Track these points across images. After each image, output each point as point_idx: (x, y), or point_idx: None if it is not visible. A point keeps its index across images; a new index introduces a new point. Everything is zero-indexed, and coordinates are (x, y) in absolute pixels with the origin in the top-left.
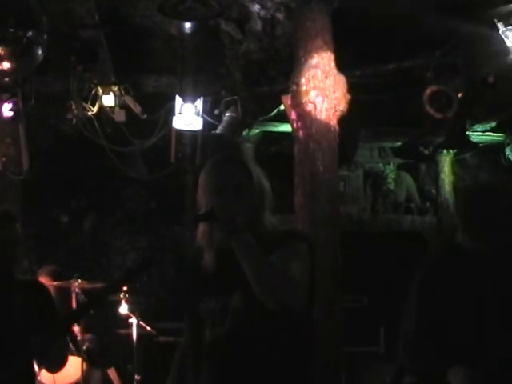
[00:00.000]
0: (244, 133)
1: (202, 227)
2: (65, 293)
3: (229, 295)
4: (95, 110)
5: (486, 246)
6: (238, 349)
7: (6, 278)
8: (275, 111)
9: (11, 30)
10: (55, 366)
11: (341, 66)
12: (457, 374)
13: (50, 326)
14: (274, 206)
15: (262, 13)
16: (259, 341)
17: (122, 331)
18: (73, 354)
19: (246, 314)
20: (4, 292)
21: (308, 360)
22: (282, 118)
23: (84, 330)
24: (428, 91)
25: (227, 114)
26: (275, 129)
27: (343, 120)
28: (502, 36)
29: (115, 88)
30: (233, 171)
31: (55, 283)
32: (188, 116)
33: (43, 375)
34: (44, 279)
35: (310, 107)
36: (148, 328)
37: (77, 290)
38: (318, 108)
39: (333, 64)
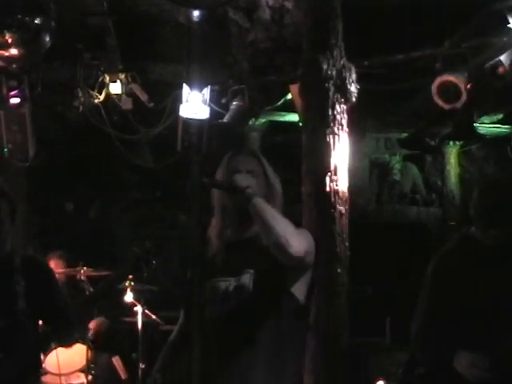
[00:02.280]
0: (251, 122)
1: (213, 223)
2: (72, 280)
3: (235, 278)
4: (102, 97)
5: (498, 237)
6: (236, 328)
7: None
8: (282, 100)
9: (19, 16)
10: (68, 343)
11: (349, 55)
12: (461, 358)
13: (56, 303)
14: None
15: (271, 2)
16: (258, 322)
17: (127, 319)
18: (78, 342)
19: (248, 295)
20: (4, 268)
21: (302, 349)
22: (289, 107)
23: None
24: (437, 82)
25: (234, 103)
26: (282, 118)
27: (350, 110)
28: None
29: (122, 76)
30: (248, 161)
31: (64, 270)
32: (195, 104)
33: (48, 363)
34: (54, 265)
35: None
36: (153, 316)
37: (82, 277)
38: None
39: (343, 53)
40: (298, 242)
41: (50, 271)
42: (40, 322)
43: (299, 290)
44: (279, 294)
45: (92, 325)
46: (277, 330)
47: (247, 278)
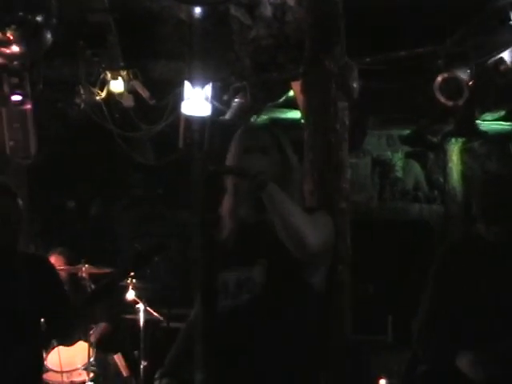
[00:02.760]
0: (252, 119)
1: (226, 203)
2: (74, 277)
3: (247, 268)
4: (103, 94)
5: (499, 234)
6: (252, 322)
7: (8, 253)
8: (284, 98)
9: (20, 13)
10: (70, 342)
11: (351, 53)
12: (463, 357)
13: (58, 302)
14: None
15: None
16: (274, 316)
17: (129, 317)
18: (79, 340)
19: (264, 287)
20: (7, 267)
21: (316, 341)
22: (291, 104)
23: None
24: (439, 79)
25: (236, 100)
26: (284, 115)
27: (352, 107)
28: None
29: (124, 73)
30: (260, 135)
31: (66, 267)
32: (196, 102)
33: (50, 360)
34: (55, 262)
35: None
36: (155, 314)
37: (84, 274)
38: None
39: (344, 51)
40: (314, 237)
41: (52, 269)
42: (42, 320)
43: (317, 279)
44: (295, 283)
45: (94, 331)
46: (291, 322)
47: (259, 271)
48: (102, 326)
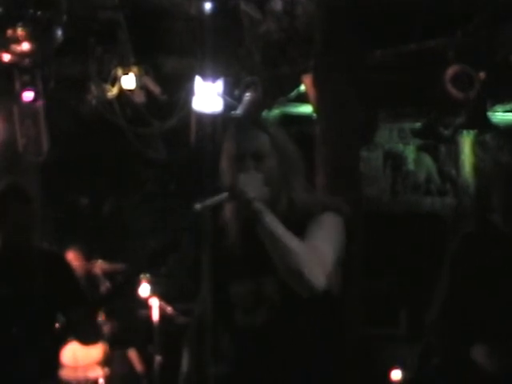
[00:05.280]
0: (264, 114)
1: (228, 206)
2: (89, 274)
3: (259, 278)
4: (115, 91)
5: None
6: (273, 340)
7: (24, 252)
8: (295, 92)
9: (30, 11)
10: (86, 341)
11: (361, 45)
12: (479, 349)
13: (75, 298)
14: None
15: None
16: (295, 333)
17: (143, 312)
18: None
19: (280, 303)
20: (23, 263)
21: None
22: (303, 98)
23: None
24: (450, 71)
25: (247, 95)
26: (295, 110)
27: (363, 100)
28: None
29: (135, 69)
30: (252, 137)
31: (81, 264)
32: (208, 97)
33: (65, 356)
34: (72, 259)
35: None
36: (169, 309)
37: (98, 271)
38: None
39: (355, 44)
40: (319, 274)
41: (68, 266)
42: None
43: (332, 285)
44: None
45: (108, 327)
46: (314, 335)
47: (269, 286)
48: (115, 323)
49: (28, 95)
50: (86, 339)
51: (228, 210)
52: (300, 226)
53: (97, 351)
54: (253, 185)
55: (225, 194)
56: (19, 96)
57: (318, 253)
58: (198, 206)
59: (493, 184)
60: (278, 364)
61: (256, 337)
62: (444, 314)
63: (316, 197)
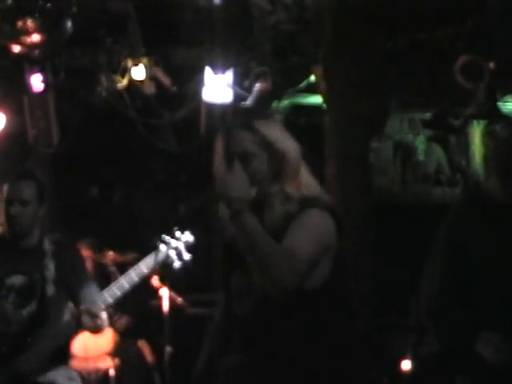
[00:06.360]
0: (274, 104)
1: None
2: (99, 265)
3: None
4: (125, 82)
5: None
6: (261, 326)
7: (34, 237)
8: (305, 82)
9: (40, 2)
10: (97, 329)
11: (372, 35)
12: (483, 339)
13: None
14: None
15: None
16: (282, 319)
17: (153, 303)
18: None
19: (264, 293)
20: (34, 251)
21: (339, 337)
22: (313, 89)
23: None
24: (460, 61)
25: (257, 86)
26: (305, 100)
27: (373, 91)
28: None
29: (145, 60)
30: (240, 137)
31: (93, 255)
32: (218, 88)
33: (75, 346)
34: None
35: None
36: (179, 299)
37: (109, 262)
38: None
39: (363, 35)
40: (284, 275)
41: (78, 253)
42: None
43: (311, 283)
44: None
45: (119, 319)
46: (303, 317)
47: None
48: (125, 316)
49: (38, 86)
50: (96, 328)
51: (223, 209)
52: (286, 223)
53: (107, 342)
54: (237, 184)
55: (203, 198)
56: (29, 87)
57: (291, 253)
58: (181, 208)
59: (492, 150)
60: (261, 352)
61: (244, 325)
62: (443, 294)
63: (307, 194)
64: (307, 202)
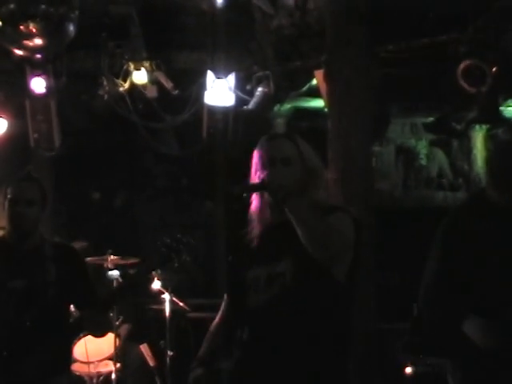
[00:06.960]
0: (276, 108)
1: (254, 202)
2: (99, 268)
3: (272, 263)
4: (127, 86)
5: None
6: (279, 314)
7: (35, 240)
8: (307, 86)
9: (43, 6)
10: (99, 332)
11: (374, 40)
12: (472, 323)
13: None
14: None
15: None
16: (302, 307)
17: (155, 307)
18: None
19: (290, 279)
20: (36, 255)
21: (347, 331)
22: (314, 93)
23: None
24: (462, 65)
25: (259, 89)
26: (307, 104)
27: (375, 95)
28: None
29: (147, 64)
30: (282, 145)
31: (94, 259)
32: (220, 91)
33: (77, 351)
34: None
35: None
36: (180, 304)
37: (110, 265)
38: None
39: (366, 38)
40: (325, 248)
41: (79, 257)
42: (71, 310)
43: (339, 271)
44: (319, 276)
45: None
46: (319, 313)
47: (288, 266)
48: (126, 325)
49: (40, 90)
50: (98, 331)
51: (253, 211)
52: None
53: (109, 346)
54: (281, 178)
55: (258, 182)
56: (31, 91)
57: (331, 227)
58: (235, 188)
59: (487, 159)
60: (286, 334)
61: (266, 310)
62: (436, 285)
63: (331, 203)
64: (332, 208)
